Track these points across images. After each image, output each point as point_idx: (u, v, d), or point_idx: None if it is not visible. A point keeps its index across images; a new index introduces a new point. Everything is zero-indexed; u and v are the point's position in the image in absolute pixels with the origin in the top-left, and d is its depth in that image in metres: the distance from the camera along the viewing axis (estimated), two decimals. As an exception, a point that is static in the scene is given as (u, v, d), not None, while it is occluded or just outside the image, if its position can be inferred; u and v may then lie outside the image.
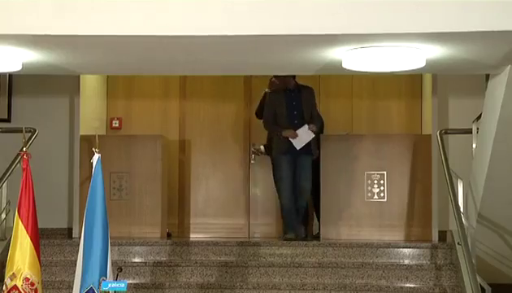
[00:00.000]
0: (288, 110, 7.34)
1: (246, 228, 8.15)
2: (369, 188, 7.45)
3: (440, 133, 6.47)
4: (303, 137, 7.23)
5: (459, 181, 6.36)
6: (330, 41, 4.55)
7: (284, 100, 7.37)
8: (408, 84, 8.09)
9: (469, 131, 6.38)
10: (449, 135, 6.90)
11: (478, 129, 6.16)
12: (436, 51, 4.75)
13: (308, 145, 7.27)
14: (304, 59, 5.05)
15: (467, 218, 6.10)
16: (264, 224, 8.05)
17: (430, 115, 7.53)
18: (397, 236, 7.26)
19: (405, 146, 7.47)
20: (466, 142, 6.53)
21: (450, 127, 7.14)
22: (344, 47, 4.70)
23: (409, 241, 7.11)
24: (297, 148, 7.22)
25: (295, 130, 7.26)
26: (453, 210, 5.93)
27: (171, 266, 6.36)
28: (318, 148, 7.45)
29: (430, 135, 7.36)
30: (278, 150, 7.37)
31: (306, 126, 7.26)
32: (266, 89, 7.70)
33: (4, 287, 4.62)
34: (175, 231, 7.91)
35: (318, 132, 7.50)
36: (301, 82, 7.43)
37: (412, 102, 8.17)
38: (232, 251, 6.65)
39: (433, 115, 7.43)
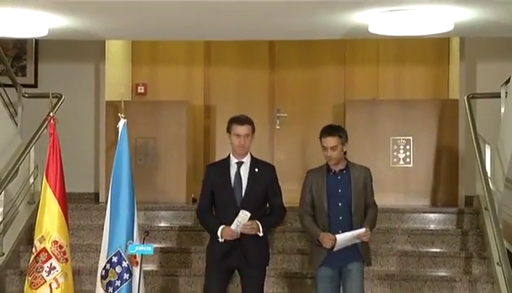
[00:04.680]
0: (328, 199, 5.05)
1: (271, 193, 8.14)
2: (395, 153, 7.41)
3: (467, 98, 6.39)
4: (344, 242, 4.98)
5: (487, 145, 6.30)
6: (357, 4, 4.50)
7: (324, 183, 5.10)
8: (435, 48, 7.97)
9: (497, 95, 6.30)
10: (477, 99, 6.81)
11: (506, 93, 6.07)
12: (465, 14, 4.67)
13: (355, 246, 5.02)
14: (330, 23, 5.01)
15: (494, 183, 6.04)
16: (289, 189, 8.00)
17: (457, 80, 7.43)
18: (423, 201, 7.23)
19: (432, 111, 7.40)
20: (494, 107, 6.44)
21: (478, 91, 7.04)
22: (370, 11, 4.64)
23: (435, 206, 7.08)
24: (335, 249, 4.98)
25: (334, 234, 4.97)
26: (480, 175, 5.89)
27: (196, 231, 6.40)
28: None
29: (457, 100, 7.27)
30: (315, 257, 5.10)
31: (354, 233, 4.94)
32: None
33: (34, 250, 4.70)
34: (201, 197, 7.92)
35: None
36: (353, 160, 5.21)
37: (439, 66, 8.05)
38: (257, 215, 6.66)
39: (461, 79, 7.32)
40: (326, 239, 4.94)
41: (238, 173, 5.09)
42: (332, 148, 5.01)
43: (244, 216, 4.88)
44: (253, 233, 4.92)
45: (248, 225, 4.90)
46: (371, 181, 5.16)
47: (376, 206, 5.19)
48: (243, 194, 5.04)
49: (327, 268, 5.02)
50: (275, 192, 5.18)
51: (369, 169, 5.20)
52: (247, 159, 5.12)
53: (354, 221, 5.01)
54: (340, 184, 5.07)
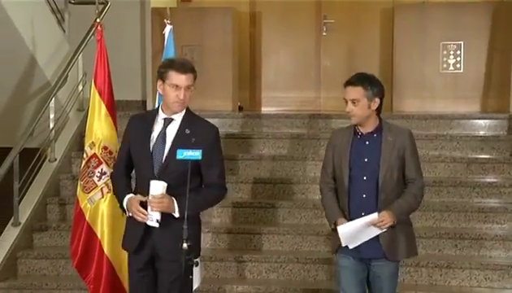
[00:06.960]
0: (351, 171, 3.95)
1: (317, 101, 8.10)
2: (444, 59, 7.25)
3: (524, -2, 6.17)
4: (354, 233, 3.93)
5: (542, 49, 6.11)
6: None
7: (348, 149, 3.98)
8: None
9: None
10: (534, 1, 6.57)
11: None
12: None
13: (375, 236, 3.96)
14: None
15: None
16: (335, 97, 7.96)
17: (513, -20, 7.15)
18: (473, 107, 7.10)
19: (485, 15, 7.16)
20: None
21: (536, -9, 6.78)
22: None
23: (485, 112, 6.95)
24: (349, 246, 3.97)
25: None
26: (533, 79, 5.74)
27: (243, 138, 6.45)
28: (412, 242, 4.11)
29: (512, 1, 7.03)
30: (333, 239, 4.16)
31: (361, 221, 3.89)
32: None
33: (85, 155, 4.79)
34: (247, 105, 7.93)
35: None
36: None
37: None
38: (303, 123, 6.67)
39: (517, -21, 7.05)
40: (340, 224, 3.92)
41: (163, 133, 3.83)
42: (353, 101, 3.92)
43: (156, 186, 3.67)
44: (163, 210, 3.69)
45: (155, 201, 3.66)
46: (413, 148, 3.97)
47: (421, 181, 3.98)
48: (163, 160, 3.79)
49: (346, 256, 4.00)
50: (211, 163, 3.81)
51: (410, 132, 4.02)
52: (179, 117, 3.84)
53: (381, 201, 3.86)
54: (368, 151, 3.91)
